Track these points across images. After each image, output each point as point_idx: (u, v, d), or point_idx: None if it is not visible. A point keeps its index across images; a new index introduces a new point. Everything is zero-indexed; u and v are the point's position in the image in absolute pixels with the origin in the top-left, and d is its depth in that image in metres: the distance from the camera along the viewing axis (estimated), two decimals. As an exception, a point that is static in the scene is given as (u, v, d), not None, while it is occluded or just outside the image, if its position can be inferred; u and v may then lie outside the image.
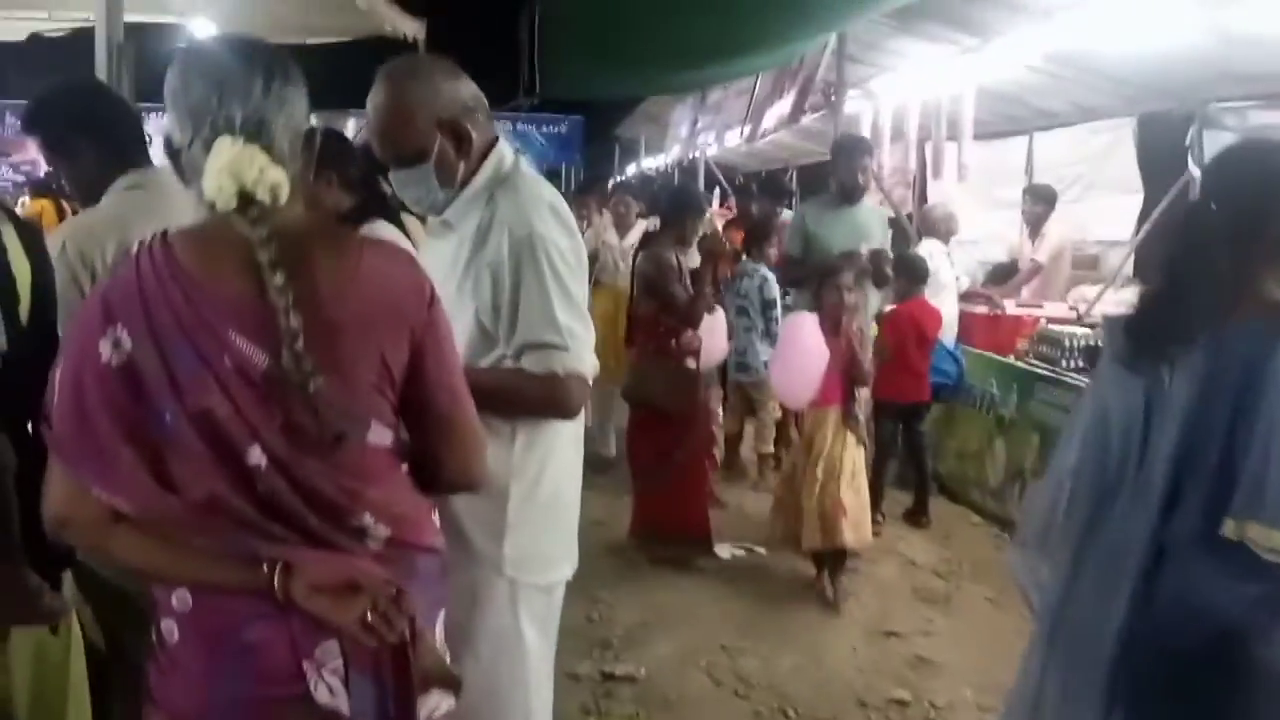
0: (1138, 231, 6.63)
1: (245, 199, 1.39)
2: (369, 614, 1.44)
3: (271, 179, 1.40)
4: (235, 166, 1.38)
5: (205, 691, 1.46)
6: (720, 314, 5.30)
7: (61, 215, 9.18)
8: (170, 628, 1.49)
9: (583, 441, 2.29)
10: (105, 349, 1.40)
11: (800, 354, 4.20)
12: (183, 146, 1.47)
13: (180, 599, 1.47)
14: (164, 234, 1.47)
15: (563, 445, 2.17)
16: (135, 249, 1.47)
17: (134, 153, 2.39)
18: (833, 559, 4.34)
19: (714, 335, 5.21)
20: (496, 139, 2.16)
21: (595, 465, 4.98)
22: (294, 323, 1.38)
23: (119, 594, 2.00)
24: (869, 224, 5.10)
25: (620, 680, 3.73)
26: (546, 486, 2.13)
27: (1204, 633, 1.60)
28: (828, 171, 5.48)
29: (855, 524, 4.23)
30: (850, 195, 5.05)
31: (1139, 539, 1.65)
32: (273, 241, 1.39)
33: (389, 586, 1.47)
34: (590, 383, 2.12)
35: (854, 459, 4.28)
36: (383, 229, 2.97)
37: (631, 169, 20.30)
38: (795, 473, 4.38)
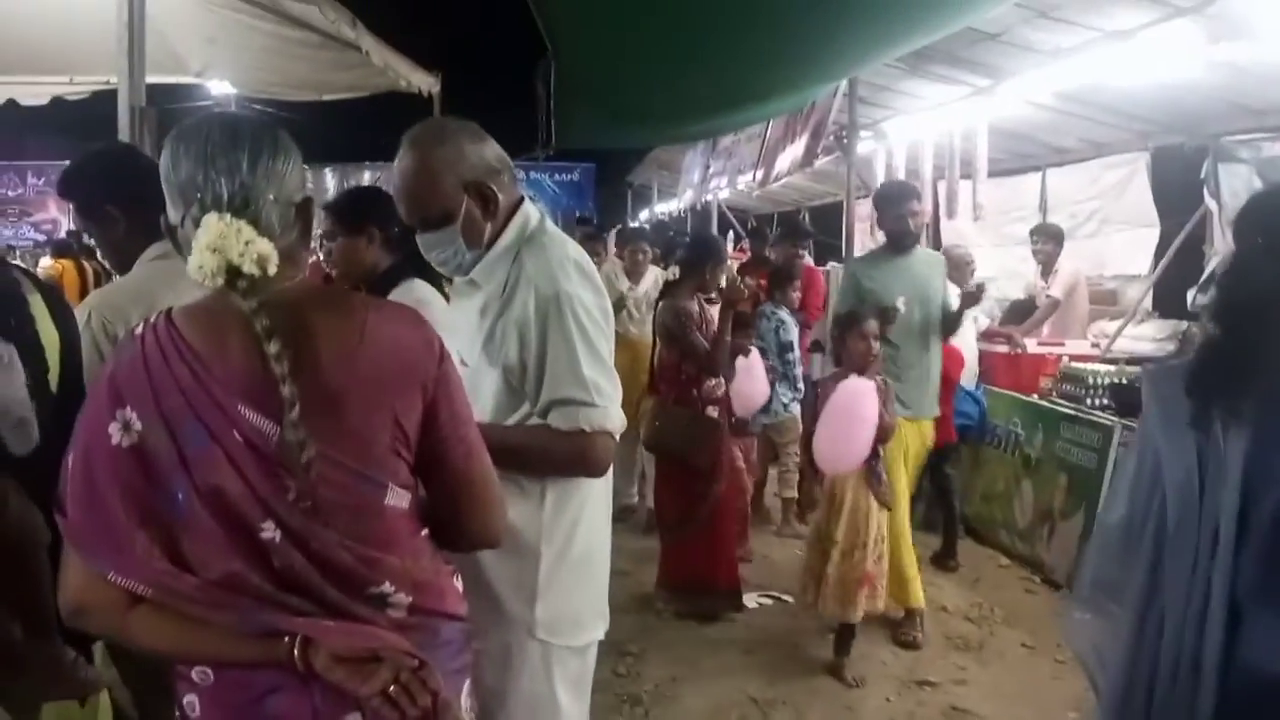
0: (1156, 265, 6.62)
1: (233, 273, 1.39)
2: (391, 686, 1.43)
3: (258, 252, 1.39)
4: (221, 242, 1.38)
5: None
6: (756, 357, 5.23)
7: (82, 275, 9.27)
8: (193, 702, 1.48)
9: (612, 499, 2.27)
10: (115, 431, 1.40)
11: (856, 423, 3.92)
12: (176, 224, 1.48)
13: (201, 673, 1.46)
14: (168, 311, 1.48)
15: (593, 504, 2.15)
16: (139, 328, 1.48)
17: None
18: (841, 631, 4.16)
19: (752, 379, 5.14)
20: (522, 199, 2.18)
21: (616, 514, 4.93)
22: (289, 390, 1.38)
23: (149, 662, 1.99)
24: (926, 272, 4.74)
25: (650, 737, 3.67)
26: (578, 547, 2.11)
27: (1263, 691, 1.56)
28: (838, 213, 5.37)
29: (874, 595, 4.03)
30: (900, 244, 4.73)
31: (1218, 596, 1.60)
32: (263, 311, 1.40)
33: (411, 659, 1.46)
34: (617, 439, 2.11)
35: (879, 523, 4.06)
36: (419, 288, 2.98)
37: (645, 214, 20.41)
38: (819, 536, 4.15)
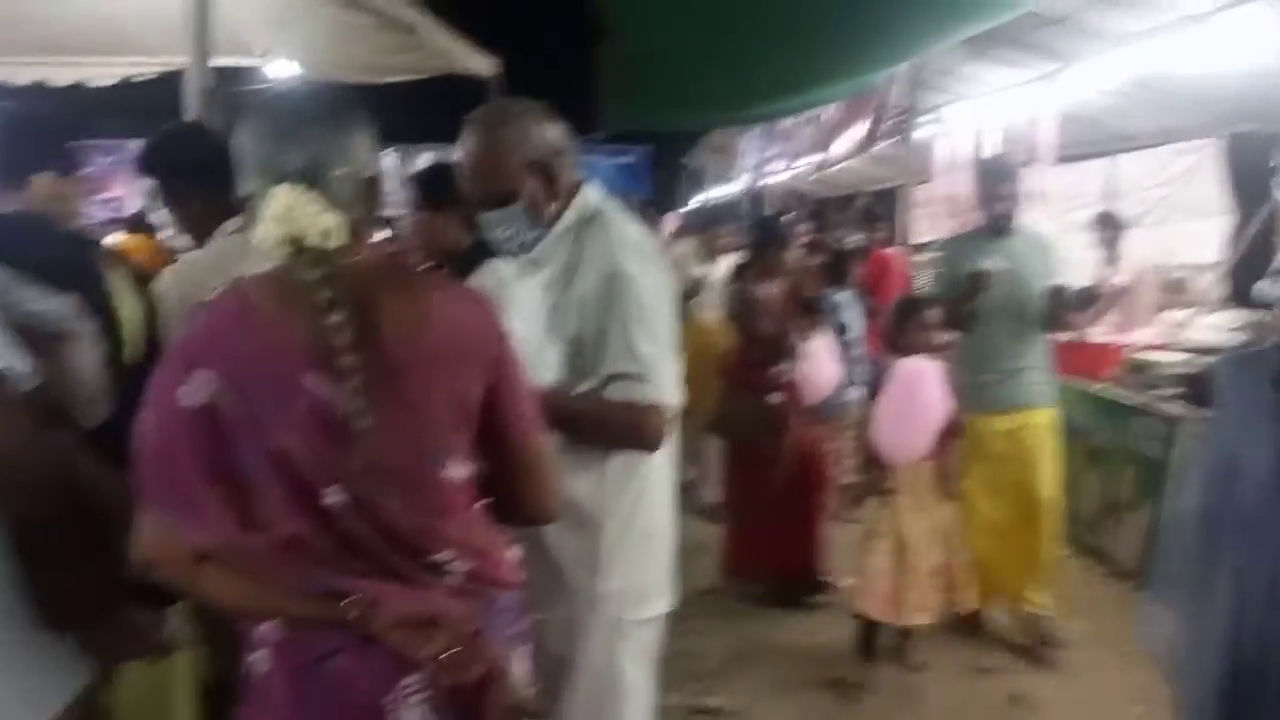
0: (1226, 254, 6.46)
1: (298, 244, 1.41)
2: (448, 652, 1.46)
3: (323, 224, 1.42)
4: (287, 214, 1.41)
5: None
6: (826, 342, 5.02)
7: (153, 251, 9.45)
8: (257, 659, 1.52)
9: (674, 473, 2.26)
10: (186, 393, 1.43)
11: (921, 408, 3.76)
12: (250, 196, 1.50)
13: (267, 631, 1.51)
14: (240, 279, 1.51)
15: (656, 478, 2.16)
16: (212, 296, 1.52)
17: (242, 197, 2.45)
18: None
19: (819, 364, 4.93)
20: (584, 179, 2.19)
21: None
22: (347, 361, 1.40)
23: (222, 618, 2.03)
24: (1028, 255, 4.24)
25: (710, 714, 3.69)
26: (641, 521, 2.12)
27: None
28: (894, 199, 5.19)
29: (952, 586, 3.91)
30: (998, 226, 4.25)
31: None
32: (326, 283, 1.42)
33: (468, 626, 1.49)
34: (672, 416, 2.10)
35: (951, 519, 3.92)
36: (501, 268, 2.96)
37: (698, 198, 20.33)
38: (875, 537, 3.94)
